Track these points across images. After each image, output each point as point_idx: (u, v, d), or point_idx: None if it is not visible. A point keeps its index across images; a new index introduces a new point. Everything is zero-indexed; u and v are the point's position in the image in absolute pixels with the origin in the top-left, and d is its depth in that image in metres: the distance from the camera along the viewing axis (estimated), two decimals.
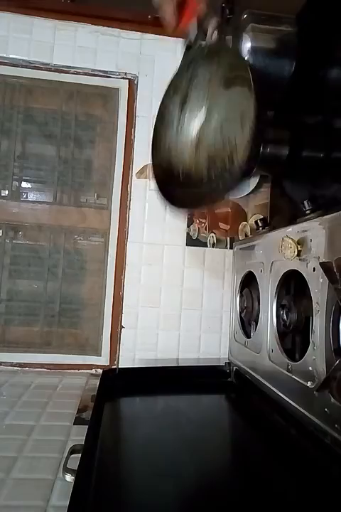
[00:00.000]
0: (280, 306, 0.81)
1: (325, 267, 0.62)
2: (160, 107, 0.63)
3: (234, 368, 1.06)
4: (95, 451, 0.64)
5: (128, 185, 1.33)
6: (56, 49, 1.32)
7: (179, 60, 1.34)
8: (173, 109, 0.62)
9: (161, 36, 1.33)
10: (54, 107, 1.37)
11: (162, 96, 0.64)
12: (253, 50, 0.82)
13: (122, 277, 1.31)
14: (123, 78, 1.36)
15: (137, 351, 1.29)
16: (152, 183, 1.32)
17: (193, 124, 0.64)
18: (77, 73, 1.34)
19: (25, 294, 1.34)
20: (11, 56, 1.30)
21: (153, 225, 1.33)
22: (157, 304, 1.31)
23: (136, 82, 1.36)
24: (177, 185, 0.63)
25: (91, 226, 1.36)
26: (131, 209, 1.33)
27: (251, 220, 1.25)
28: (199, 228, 1.34)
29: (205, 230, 1.34)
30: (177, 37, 0.61)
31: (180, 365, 1.29)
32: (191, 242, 1.34)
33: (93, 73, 1.34)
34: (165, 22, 0.58)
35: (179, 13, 0.57)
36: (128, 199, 1.33)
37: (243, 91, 0.56)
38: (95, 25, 1.33)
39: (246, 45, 0.83)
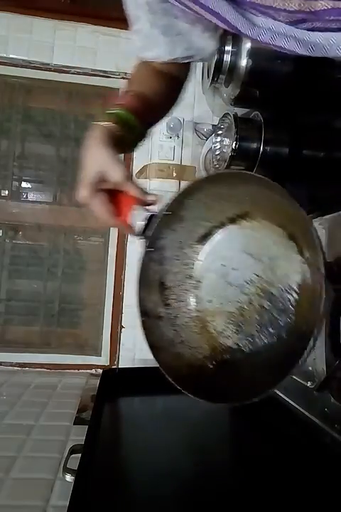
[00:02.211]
0: None
1: (325, 267, 0.62)
2: (139, 306, 0.50)
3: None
4: (95, 451, 0.64)
5: None
6: (56, 49, 1.32)
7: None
8: (155, 301, 0.51)
9: None
10: (54, 107, 1.37)
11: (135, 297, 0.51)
12: (253, 51, 0.82)
13: (122, 277, 1.31)
14: (123, 78, 1.36)
15: (137, 351, 1.29)
16: (153, 184, 1.32)
17: (184, 301, 0.52)
18: (77, 73, 1.34)
19: (24, 294, 1.34)
20: (10, 56, 1.30)
21: None
22: None
23: None
24: (206, 376, 0.50)
25: (91, 226, 1.36)
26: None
27: None
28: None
29: None
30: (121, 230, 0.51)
31: None
32: None
33: (93, 73, 1.34)
34: (101, 221, 0.49)
35: (119, 213, 0.49)
36: None
37: (224, 232, 0.50)
38: (95, 25, 1.33)
39: (246, 46, 0.83)
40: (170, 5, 0.42)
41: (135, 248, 1.31)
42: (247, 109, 1.07)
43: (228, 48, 0.94)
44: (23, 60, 1.31)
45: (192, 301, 0.51)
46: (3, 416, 0.90)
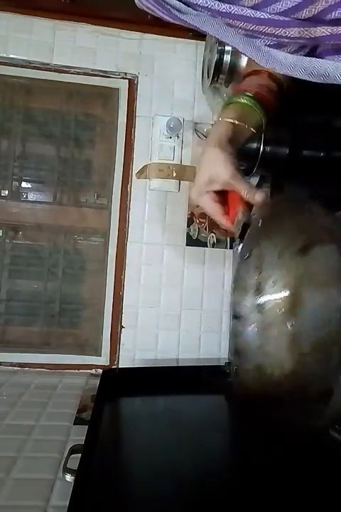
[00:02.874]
0: None
1: None
2: (232, 310, 0.50)
3: (234, 368, 1.05)
4: (95, 451, 0.64)
5: (128, 185, 1.33)
6: (56, 49, 1.32)
7: (179, 60, 1.35)
8: (250, 304, 0.49)
9: (161, 36, 1.33)
10: (54, 107, 1.37)
11: (232, 293, 0.52)
12: None
13: (122, 277, 1.31)
14: (123, 78, 1.36)
15: (137, 351, 1.29)
16: (153, 184, 1.32)
17: (280, 312, 0.49)
18: (77, 73, 1.34)
19: (25, 294, 1.34)
20: (10, 56, 1.30)
21: (153, 225, 1.33)
22: (157, 304, 1.31)
23: (136, 82, 1.36)
24: (281, 400, 0.49)
25: (91, 226, 1.36)
26: (131, 209, 1.33)
27: None
28: (199, 228, 1.34)
29: (205, 230, 1.34)
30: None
31: (179, 365, 1.29)
32: (191, 242, 1.34)
33: (93, 73, 1.34)
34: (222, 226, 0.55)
35: (227, 212, 0.53)
36: (128, 199, 1.33)
37: (322, 250, 0.48)
38: (95, 25, 1.33)
39: None
40: None
41: (135, 248, 1.31)
42: None
43: (228, 47, 0.94)
44: (23, 60, 1.31)
45: (287, 312, 0.47)
46: (3, 416, 0.90)
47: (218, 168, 0.50)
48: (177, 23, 0.42)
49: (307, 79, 0.39)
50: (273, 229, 0.49)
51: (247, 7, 0.35)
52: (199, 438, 0.74)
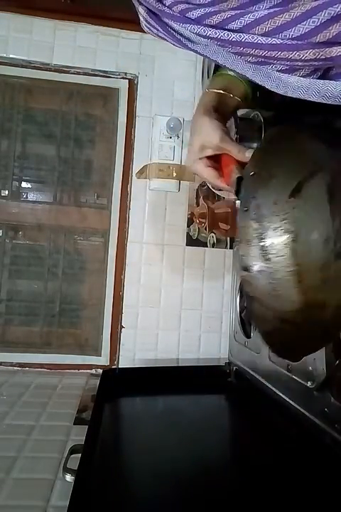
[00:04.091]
0: None
1: None
2: (240, 262, 0.53)
3: (234, 368, 1.06)
4: (95, 451, 0.64)
5: (128, 185, 1.33)
6: (56, 49, 1.32)
7: (179, 60, 1.35)
8: (255, 256, 0.53)
9: None
10: (54, 107, 1.37)
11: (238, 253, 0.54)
12: None
13: (122, 277, 1.31)
14: (123, 78, 1.36)
15: (137, 351, 1.29)
16: (153, 184, 1.32)
17: (284, 255, 0.52)
18: (77, 73, 1.34)
19: (25, 294, 1.34)
20: (10, 56, 1.30)
21: (153, 225, 1.33)
22: (157, 304, 1.31)
23: (136, 82, 1.36)
24: (298, 334, 0.52)
25: (91, 226, 1.36)
26: (131, 209, 1.33)
27: None
28: (199, 228, 1.34)
29: (205, 230, 1.34)
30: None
31: (179, 365, 1.29)
32: (191, 242, 1.34)
33: (93, 73, 1.34)
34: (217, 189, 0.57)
35: (221, 174, 0.55)
36: (128, 199, 1.33)
37: (317, 182, 0.49)
38: (95, 25, 1.33)
39: None
40: None
41: (135, 248, 1.31)
42: (247, 109, 1.07)
43: None
44: (23, 60, 1.31)
45: (291, 254, 0.51)
46: (3, 416, 0.90)
47: (207, 133, 0.52)
48: (187, 51, 0.42)
49: (322, 101, 0.39)
50: (265, 177, 0.50)
51: (258, 35, 0.35)
52: (199, 438, 0.74)
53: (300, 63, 0.36)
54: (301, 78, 0.39)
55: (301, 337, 0.50)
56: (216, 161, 0.56)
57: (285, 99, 0.46)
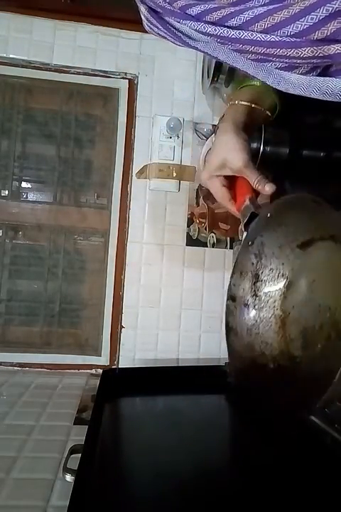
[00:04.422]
0: None
1: None
2: (229, 291, 0.54)
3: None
4: (95, 451, 0.64)
5: (128, 185, 1.33)
6: (56, 49, 1.32)
7: (179, 60, 1.35)
8: (246, 287, 0.54)
9: None
10: (54, 107, 1.37)
11: (231, 278, 0.55)
12: None
13: (122, 277, 1.31)
14: (123, 78, 1.36)
15: (137, 351, 1.29)
16: (153, 184, 1.32)
17: (273, 298, 0.54)
18: (77, 73, 1.34)
19: (25, 294, 1.35)
20: (11, 56, 1.30)
21: (153, 225, 1.33)
22: (157, 304, 1.31)
23: (136, 82, 1.36)
24: (265, 379, 0.52)
25: (91, 226, 1.36)
26: (131, 209, 1.33)
27: None
28: (199, 228, 1.34)
29: (205, 230, 1.34)
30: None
31: (179, 365, 1.29)
32: (191, 242, 1.34)
33: (93, 73, 1.34)
34: (226, 208, 0.55)
35: (234, 197, 0.54)
36: (128, 199, 1.33)
37: (325, 247, 0.50)
38: (95, 25, 1.33)
39: None
40: None
41: (135, 248, 1.31)
42: None
43: None
44: (23, 60, 1.31)
45: (279, 298, 0.52)
46: (3, 416, 0.90)
47: (232, 154, 0.50)
48: (189, 49, 0.42)
49: (322, 98, 0.39)
50: (279, 222, 0.51)
51: (257, 32, 0.35)
52: (199, 438, 0.74)
53: (298, 61, 0.36)
54: (301, 76, 0.39)
55: (268, 388, 0.50)
56: (230, 181, 0.54)
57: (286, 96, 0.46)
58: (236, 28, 0.36)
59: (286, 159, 0.94)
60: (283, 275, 0.52)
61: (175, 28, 0.40)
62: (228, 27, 0.36)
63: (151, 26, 0.43)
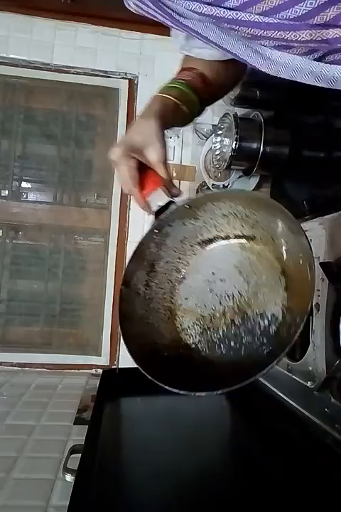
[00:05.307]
0: None
1: (325, 266, 0.62)
2: (124, 275, 0.53)
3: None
4: (95, 451, 0.64)
5: None
6: (56, 49, 1.32)
7: (179, 60, 1.34)
8: (140, 276, 0.54)
9: (161, 36, 1.33)
10: (54, 107, 1.37)
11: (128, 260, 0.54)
12: None
13: None
14: (123, 78, 1.36)
15: None
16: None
17: (163, 290, 0.55)
18: (77, 73, 1.34)
19: (25, 294, 1.35)
20: (11, 56, 1.31)
21: None
22: None
23: (136, 82, 1.36)
24: (163, 365, 0.52)
25: (91, 226, 1.36)
26: (131, 209, 1.33)
27: None
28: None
29: None
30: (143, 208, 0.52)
31: None
32: None
33: (93, 73, 1.34)
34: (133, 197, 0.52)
35: (142, 186, 0.50)
36: (128, 199, 1.33)
37: (228, 246, 0.52)
38: (95, 25, 1.33)
39: None
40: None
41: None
42: (247, 109, 1.07)
43: None
44: (24, 60, 1.31)
45: (170, 291, 0.55)
46: (4, 416, 0.90)
47: (150, 142, 0.48)
48: (178, 28, 0.41)
49: (313, 83, 0.38)
50: (193, 216, 0.52)
51: (255, 14, 0.34)
52: (199, 438, 0.74)
53: (295, 43, 0.36)
54: (296, 57, 0.38)
55: (166, 367, 0.51)
56: (142, 170, 0.51)
57: (285, 99, 0.46)
58: (233, 9, 0.35)
59: (286, 159, 0.94)
60: (176, 269, 0.54)
61: (166, 6, 0.38)
62: (225, 8, 0.35)
63: (140, 4, 0.42)
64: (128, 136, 0.50)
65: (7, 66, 1.31)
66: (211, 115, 1.36)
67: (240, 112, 1.06)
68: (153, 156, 0.48)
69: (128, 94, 1.35)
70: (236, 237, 0.52)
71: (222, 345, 0.51)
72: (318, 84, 0.38)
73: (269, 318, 0.47)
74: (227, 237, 0.53)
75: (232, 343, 0.50)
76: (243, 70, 0.64)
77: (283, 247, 0.47)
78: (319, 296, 0.65)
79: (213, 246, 0.54)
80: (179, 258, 0.54)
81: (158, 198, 0.50)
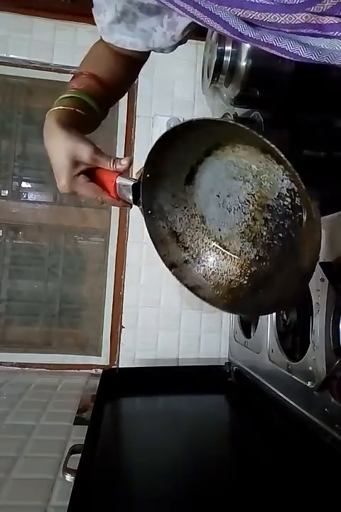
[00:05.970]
0: None
1: (325, 266, 0.62)
2: (165, 262, 0.54)
3: (234, 367, 1.06)
4: (95, 451, 0.64)
5: None
6: (56, 49, 1.32)
7: (179, 60, 1.34)
8: (175, 250, 0.56)
9: None
10: None
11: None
12: (253, 51, 0.82)
13: (122, 277, 1.31)
14: None
15: (137, 351, 1.29)
16: None
17: (200, 237, 0.56)
18: None
19: (25, 294, 1.34)
20: (11, 56, 1.30)
21: None
22: (157, 304, 1.31)
23: (136, 82, 1.36)
24: (245, 294, 0.53)
25: (91, 226, 1.36)
26: (131, 209, 1.32)
27: None
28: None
29: None
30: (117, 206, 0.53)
31: (179, 365, 1.29)
32: None
33: None
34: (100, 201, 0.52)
35: (104, 188, 0.50)
36: None
37: (207, 166, 0.52)
38: (95, 25, 1.32)
39: (246, 46, 0.83)
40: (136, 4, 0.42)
41: (135, 248, 1.31)
42: (247, 109, 1.07)
43: (228, 48, 0.94)
44: (24, 60, 1.31)
45: (205, 234, 0.55)
46: (3, 416, 0.90)
47: (77, 148, 0.47)
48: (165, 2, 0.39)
49: (299, 53, 0.37)
50: (160, 174, 0.52)
51: None
52: (199, 438, 0.74)
53: (287, 29, 0.35)
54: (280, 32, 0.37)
55: (253, 295, 0.52)
56: (89, 175, 0.50)
57: (284, 99, 0.45)
58: None
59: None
60: (192, 215, 0.55)
61: None
62: None
63: None
64: (57, 164, 0.48)
65: (7, 66, 1.31)
66: (211, 115, 1.36)
67: (240, 112, 1.06)
68: (84, 157, 0.47)
69: (128, 94, 1.35)
70: (206, 153, 0.51)
71: (275, 241, 0.50)
72: (304, 54, 0.37)
73: (287, 193, 0.47)
74: (200, 161, 0.52)
75: (281, 234, 0.49)
76: (139, 70, 0.64)
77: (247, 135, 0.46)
78: (319, 296, 0.65)
79: (197, 176, 0.53)
80: (184, 207, 0.55)
81: (124, 190, 0.50)
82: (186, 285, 0.53)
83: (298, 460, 0.65)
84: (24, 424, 0.87)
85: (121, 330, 1.30)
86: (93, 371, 1.28)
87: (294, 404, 0.70)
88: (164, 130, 0.48)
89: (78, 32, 1.33)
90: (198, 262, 0.55)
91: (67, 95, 0.53)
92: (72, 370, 1.27)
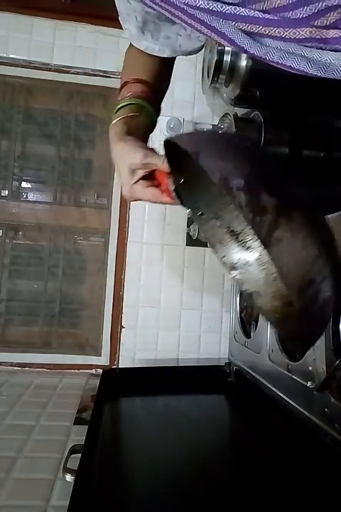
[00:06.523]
0: None
1: None
2: (225, 265, 0.52)
3: (234, 367, 1.06)
4: (95, 451, 0.64)
5: None
6: (56, 49, 1.32)
7: (179, 59, 1.34)
8: (235, 250, 0.52)
9: None
10: (54, 107, 1.37)
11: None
12: None
13: (122, 277, 1.31)
14: None
15: (137, 351, 1.29)
16: None
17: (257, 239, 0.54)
18: (77, 73, 1.34)
19: (25, 294, 1.34)
20: (11, 56, 1.30)
21: (153, 224, 1.33)
22: (157, 304, 1.31)
23: None
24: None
25: (91, 226, 1.36)
26: (131, 209, 1.33)
27: None
28: (199, 228, 1.34)
29: None
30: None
31: (179, 365, 1.29)
32: (191, 242, 1.34)
33: (93, 73, 1.34)
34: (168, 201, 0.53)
35: (163, 190, 0.51)
36: None
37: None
38: (95, 25, 1.33)
39: None
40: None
41: (135, 248, 1.31)
42: (247, 109, 1.07)
43: (228, 48, 0.94)
44: (24, 60, 1.31)
45: (271, 233, 0.50)
46: (3, 416, 0.90)
47: (130, 156, 0.50)
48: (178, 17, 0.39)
49: (304, 68, 0.37)
50: (190, 177, 0.49)
51: (254, 10, 0.34)
52: (199, 438, 0.74)
53: (292, 43, 0.35)
54: (291, 43, 0.37)
55: (306, 318, 0.47)
56: (151, 179, 0.52)
57: (284, 99, 0.45)
58: (231, 4, 0.34)
59: (286, 159, 0.94)
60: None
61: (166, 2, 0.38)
62: (223, 2, 0.34)
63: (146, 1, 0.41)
64: (120, 176, 0.52)
65: (7, 66, 1.31)
66: (211, 115, 1.36)
67: (240, 111, 1.06)
68: (138, 161, 0.49)
69: None
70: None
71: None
72: (309, 71, 0.37)
73: None
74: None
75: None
76: (174, 62, 0.65)
77: None
78: None
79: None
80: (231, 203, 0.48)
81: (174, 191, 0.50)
82: (246, 291, 0.49)
83: (298, 460, 0.65)
84: (24, 424, 0.87)
85: (121, 330, 1.30)
86: (93, 371, 1.28)
87: (294, 404, 0.70)
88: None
89: (78, 32, 1.33)
90: (259, 264, 0.50)
91: (121, 105, 0.57)
92: (72, 370, 1.27)
